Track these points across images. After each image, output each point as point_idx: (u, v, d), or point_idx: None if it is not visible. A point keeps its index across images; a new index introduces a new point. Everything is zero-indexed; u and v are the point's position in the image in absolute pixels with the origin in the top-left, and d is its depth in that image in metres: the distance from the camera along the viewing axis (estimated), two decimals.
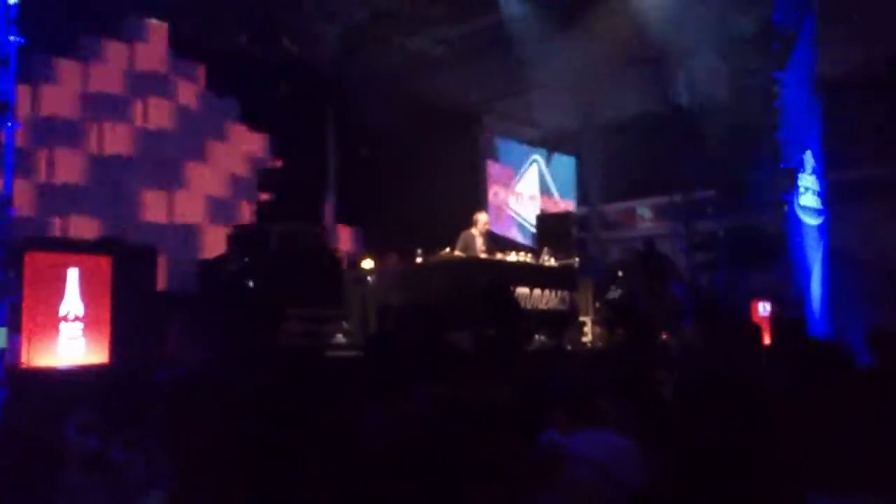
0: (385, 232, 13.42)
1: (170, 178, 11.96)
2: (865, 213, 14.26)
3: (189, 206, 11.81)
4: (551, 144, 20.22)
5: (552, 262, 11.24)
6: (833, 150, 14.02)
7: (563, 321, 10.69)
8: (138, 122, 12.18)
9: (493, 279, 9.45)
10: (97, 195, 11.12)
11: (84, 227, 10.53)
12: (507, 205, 18.66)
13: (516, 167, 19.19)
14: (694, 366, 4.26)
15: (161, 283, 10.13)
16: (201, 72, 13.49)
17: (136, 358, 5.96)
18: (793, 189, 13.07)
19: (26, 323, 5.44)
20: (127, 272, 6.16)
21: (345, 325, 8.82)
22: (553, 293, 10.84)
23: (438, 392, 3.28)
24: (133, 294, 6.20)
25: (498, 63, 17.12)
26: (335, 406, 4.03)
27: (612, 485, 2.96)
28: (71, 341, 5.66)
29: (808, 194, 13.43)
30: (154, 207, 11.56)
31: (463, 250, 10.41)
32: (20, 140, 10.87)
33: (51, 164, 11.11)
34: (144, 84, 12.52)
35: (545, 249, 11.50)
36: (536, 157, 19.67)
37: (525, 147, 19.60)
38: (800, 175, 13.26)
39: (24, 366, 5.35)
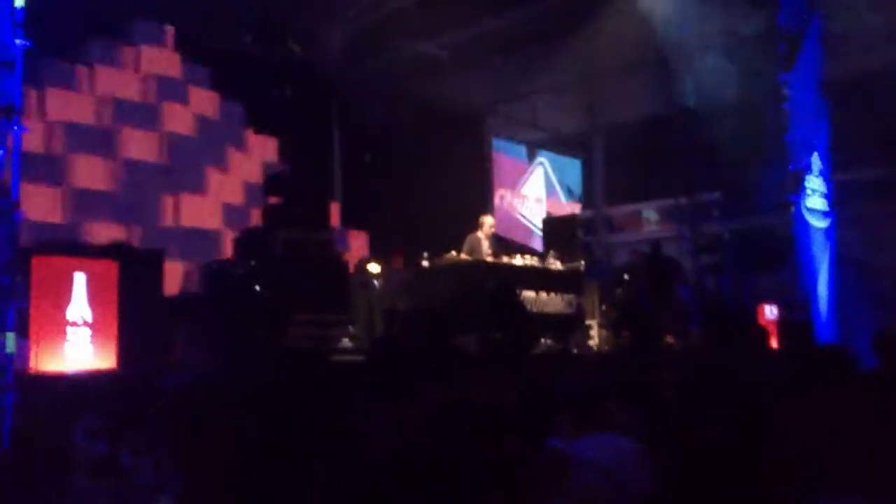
0: (391, 235, 13.43)
1: (191, 184, 12.05)
2: (872, 216, 14.25)
3: (209, 212, 11.89)
4: (556, 147, 20.21)
5: (558, 265, 11.23)
6: (840, 153, 14.00)
7: (569, 324, 10.68)
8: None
9: (499, 283, 9.45)
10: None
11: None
12: (512, 208, 18.66)
13: (522, 169, 19.19)
14: (699, 368, 4.25)
15: (179, 288, 10.25)
16: (209, 76, 13.51)
17: (144, 363, 5.97)
18: (799, 191, 13.05)
19: (34, 328, 5.45)
20: (134, 277, 6.17)
21: (351, 329, 8.83)
22: (559, 296, 10.83)
23: (444, 396, 3.28)
24: (140, 299, 6.21)
25: (502, 66, 17.13)
26: (341, 410, 4.03)
27: (618, 489, 2.96)
28: (78, 346, 5.67)
29: (814, 196, 13.40)
30: (177, 213, 11.66)
31: (469, 254, 10.41)
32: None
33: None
34: (164, 90, 12.62)
35: (551, 252, 11.50)
36: (542, 159, 19.66)
37: (531, 149, 19.59)
38: (807, 177, 13.23)
39: (31, 371, 5.36)
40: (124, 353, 5.87)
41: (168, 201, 11.65)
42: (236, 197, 12.55)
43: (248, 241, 8.92)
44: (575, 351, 10.11)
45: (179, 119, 12.54)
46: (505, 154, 18.93)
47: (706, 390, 3.66)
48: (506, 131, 19.28)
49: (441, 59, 16.58)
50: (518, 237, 17.68)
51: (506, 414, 3.07)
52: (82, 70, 12.00)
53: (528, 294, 10.34)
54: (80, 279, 5.71)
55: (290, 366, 6.77)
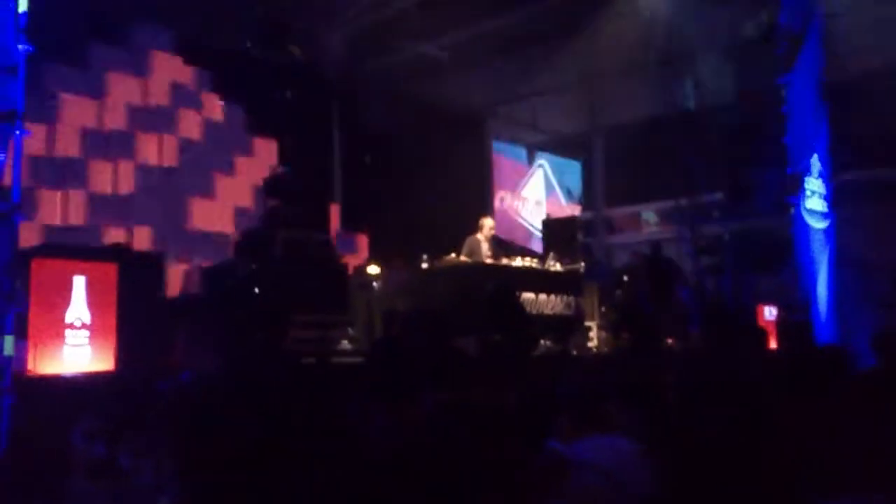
0: (391, 237, 13.43)
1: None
2: (872, 217, 14.25)
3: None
4: (556, 149, 20.23)
5: (558, 266, 11.23)
6: (839, 154, 14.02)
7: (568, 326, 10.67)
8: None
9: (498, 284, 9.44)
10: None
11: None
12: (512, 209, 18.66)
13: (522, 171, 19.20)
14: (698, 369, 4.25)
15: (179, 290, 10.28)
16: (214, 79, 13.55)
17: (143, 365, 5.97)
18: (799, 193, 13.06)
19: (32, 330, 5.44)
20: (133, 279, 6.17)
21: (350, 331, 8.82)
22: (559, 298, 10.83)
23: (444, 397, 3.28)
24: (139, 301, 6.21)
25: (502, 67, 17.14)
26: (340, 411, 4.03)
27: (618, 490, 2.95)
28: (77, 349, 5.66)
29: (814, 198, 13.42)
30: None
31: (468, 255, 10.40)
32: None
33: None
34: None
35: (551, 254, 11.49)
36: (542, 161, 19.67)
37: (531, 151, 19.61)
38: (806, 179, 13.25)
39: (30, 373, 5.35)
40: (123, 356, 5.87)
41: (181, 205, 11.73)
42: (245, 200, 12.59)
43: (247, 243, 8.92)
44: (574, 352, 10.10)
45: (191, 124, 12.65)
46: (505, 156, 18.95)
47: (706, 391, 3.66)
48: (506, 133, 19.30)
49: (441, 60, 16.58)
50: (518, 239, 17.68)
51: (505, 415, 3.07)
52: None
53: (528, 296, 10.34)
54: (79, 282, 5.70)
55: (290, 368, 6.77)
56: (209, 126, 12.92)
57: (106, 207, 11.05)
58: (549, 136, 20.22)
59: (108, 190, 11.29)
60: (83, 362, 5.66)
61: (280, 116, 13.69)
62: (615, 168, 19.75)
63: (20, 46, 5.28)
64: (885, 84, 13.76)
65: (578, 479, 2.98)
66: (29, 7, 5.35)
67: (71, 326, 5.64)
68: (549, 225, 13.94)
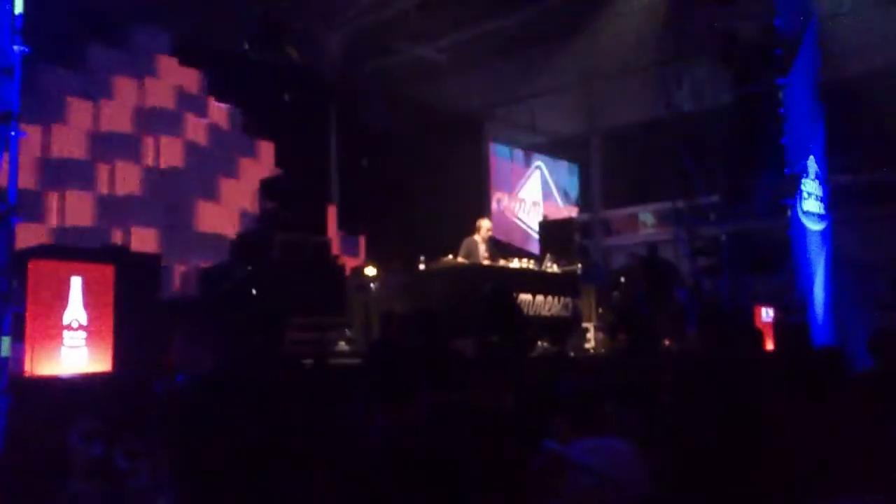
0: (388, 239, 13.43)
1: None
2: (868, 218, 14.28)
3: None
4: (553, 150, 20.25)
5: (555, 268, 11.23)
6: (836, 156, 14.04)
7: (566, 327, 10.67)
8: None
9: (496, 286, 9.44)
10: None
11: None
12: (510, 211, 18.67)
13: (519, 173, 19.21)
14: (695, 370, 4.26)
15: (176, 291, 10.29)
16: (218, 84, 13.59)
17: (140, 366, 5.96)
18: (796, 194, 13.08)
19: (29, 331, 5.44)
20: (130, 281, 6.16)
21: (348, 332, 8.82)
22: (556, 299, 10.83)
23: (442, 398, 3.28)
24: (136, 302, 6.20)
25: (500, 70, 17.17)
26: (338, 413, 4.03)
27: (615, 491, 2.96)
28: (74, 350, 5.65)
29: (811, 200, 13.45)
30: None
31: (466, 257, 10.41)
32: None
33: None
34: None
35: (548, 256, 11.50)
36: (539, 163, 19.69)
37: (528, 153, 19.62)
38: (803, 180, 13.28)
39: (27, 374, 5.35)
40: (120, 357, 5.86)
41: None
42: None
43: (245, 245, 8.92)
44: (572, 354, 10.10)
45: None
46: (502, 158, 18.96)
47: (702, 392, 3.66)
48: (504, 135, 19.32)
49: (439, 62, 16.61)
50: (515, 240, 17.70)
51: (503, 416, 3.07)
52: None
53: (525, 297, 10.34)
54: (76, 283, 5.70)
55: (287, 368, 6.78)
56: (213, 129, 12.97)
57: (113, 209, 11.10)
58: (546, 138, 20.25)
59: (116, 192, 11.34)
60: (80, 363, 5.66)
61: (277, 118, 13.69)
62: (612, 170, 19.78)
63: (16, 48, 5.27)
64: (882, 86, 13.79)
65: (575, 480, 2.98)
66: (25, 8, 5.35)
67: (68, 328, 5.63)
68: (546, 226, 13.94)
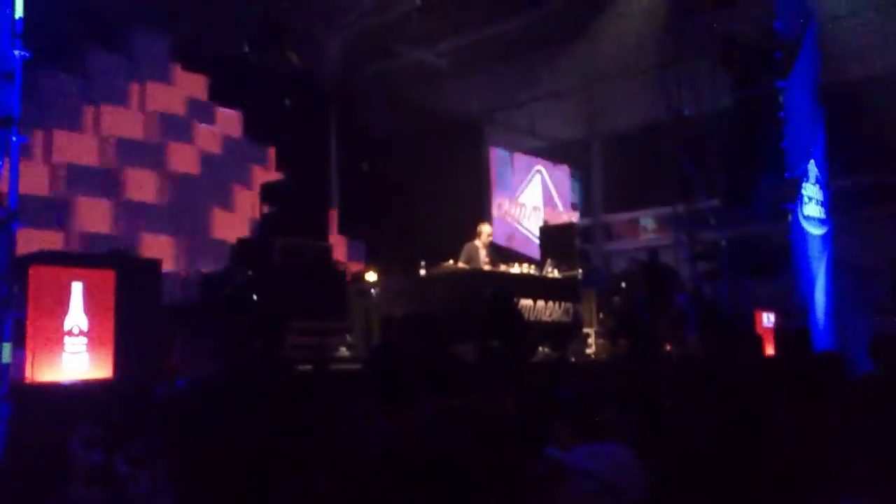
0: (388, 244, 13.42)
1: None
2: (869, 223, 14.27)
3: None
4: (554, 155, 20.24)
5: (555, 273, 11.23)
6: (836, 160, 14.04)
7: (566, 333, 10.67)
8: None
9: (496, 291, 9.45)
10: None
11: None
12: (510, 216, 18.66)
13: (520, 178, 19.20)
14: (696, 375, 4.26)
15: (176, 297, 10.32)
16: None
17: (141, 372, 5.96)
18: (796, 199, 13.08)
19: (30, 337, 5.43)
20: (131, 286, 6.15)
21: (348, 337, 8.81)
22: (556, 305, 10.83)
23: (443, 403, 3.28)
24: (137, 308, 6.19)
25: (500, 74, 17.18)
26: (338, 418, 4.03)
27: (615, 497, 2.95)
28: (75, 356, 5.65)
29: (811, 204, 13.45)
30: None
31: (466, 262, 10.41)
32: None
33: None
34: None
35: (548, 261, 11.49)
36: (539, 167, 19.68)
37: (528, 157, 19.61)
38: (803, 184, 13.28)
39: (27, 381, 5.34)
40: (121, 363, 5.85)
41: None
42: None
43: (245, 250, 8.91)
44: (572, 359, 10.10)
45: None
46: (503, 162, 18.95)
47: (703, 397, 3.66)
48: (504, 139, 19.31)
49: (439, 66, 16.62)
50: (515, 246, 17.68)
51: (504, 421, 3.07)
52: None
53: (526, 302, 10.35)
54: (77, 288, 5.70)
55: (288, 374, 6.78)
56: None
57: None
58: (546, 143, 20.24)
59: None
60: (81, 369, 5.65)
61: (277, 122, 13.70)
62: (613, 174, 19.78)
63: (17, 52, 5.27)
64: (883, 89, 13.79)
65: (576, 486, 2.98)
66: (25, 13, 5.35)
67: (69, 333, 5.62)
68: (547, 231, 13.95)
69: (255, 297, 7.81)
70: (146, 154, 11.91)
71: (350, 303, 9.32)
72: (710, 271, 14.24)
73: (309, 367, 7.27)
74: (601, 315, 11.84)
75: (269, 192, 9.42)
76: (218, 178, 12.50)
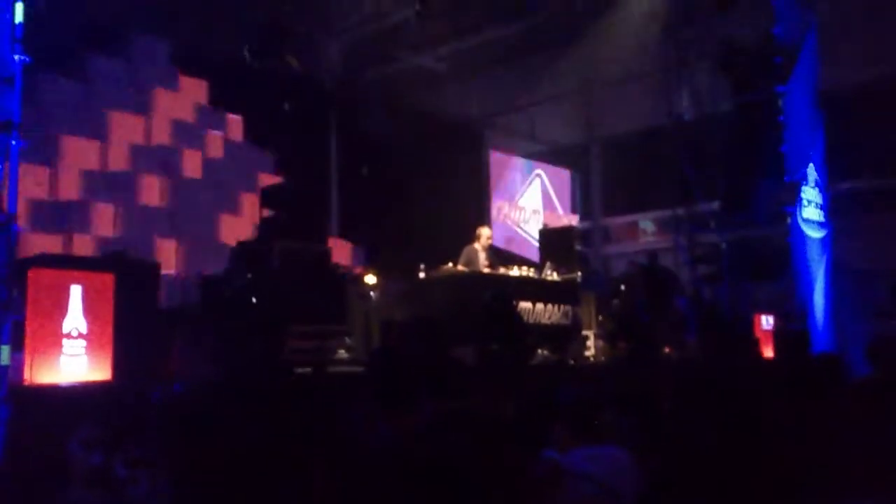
0: (388, 247, 13.43)
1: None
2: (868, 226, 14.28)
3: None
4: (553, 159, 20.26)
5: (555, 276, 11.23)
6: (836, 164, 14.05)
7: (566, 335, 10.67)
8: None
9: (496, 294, 9.45)
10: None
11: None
12: (510, 219, 18.68)
13: (519, 181, 19.22)
14: (695, 378, 4.27)
15: (175, 300, 10.35)
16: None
17: (139, 374, 5.96)
18: (796, 202, 13.08)
19: (29, 340, 5.43)
20: (130, 289, 6.16)
21: (348, 340, 8.81)
22: (556, 307, 10.83)
23: (442, 406, 3.28)
24: (136, 311, 6.19)
25: (499, 78, 17.19)
26: (338, 421, 4.02)
27: (614, 499, 2.95)
28: (73, 358, 5.65)
29: (810, 207, 13.45)
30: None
31: (466, 265, 10.41)
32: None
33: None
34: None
35: (548, 264, 11.49)
36: (539, 171, 19.70)
37: (528, 161, 19.63)
38: (803, 188, 13.28)
39: (26, 383, 5.34)
40: (120, 365, 5.85)
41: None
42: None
43: (244, 253, 8.91)
44: (572, 362, 10.10)
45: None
46: (502, 166, 18.97)
47: (702, 400, 3.66)
48: (503, 143, 19.33)
49: (439, 71, 16.63)
50: (515, 249, 17.69)
51: (503, 424, 3.06)
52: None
53: (525, 305, 10.34)
54: (75, 291, 5.70)
55: (287, 377, 6.77)
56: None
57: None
58: (546, 146, 20.26)
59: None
60: (80, 372, 5.65)
61: (277, 126, 13.70)
62: (612, 177, 19.80)
63: (17, 57, 5.28)
64: (881, 94, 13.80)
65: (575, 489, 2.98)
66: (25, 18, 5.36)
67: (68, 336, 5.63)
68: (546, 234, 13.94)
69: (254, 300, 7.81)
70: (158, 159, 12.04)
71: (350, 306, 9.32)
72: (710, 274, 14.25)
73: (308, 369, 7.26)
74: (600, 318, 11.84)
75: (269, 196, 9.42)
76: (224, 183, 12.57)
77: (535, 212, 19.34)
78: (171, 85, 12.92)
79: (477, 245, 10.70)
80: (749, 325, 11.78)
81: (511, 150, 19.37)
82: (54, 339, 5.57)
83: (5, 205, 5.16)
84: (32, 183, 10.43)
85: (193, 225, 11.70)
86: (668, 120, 15.00)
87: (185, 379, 6.21)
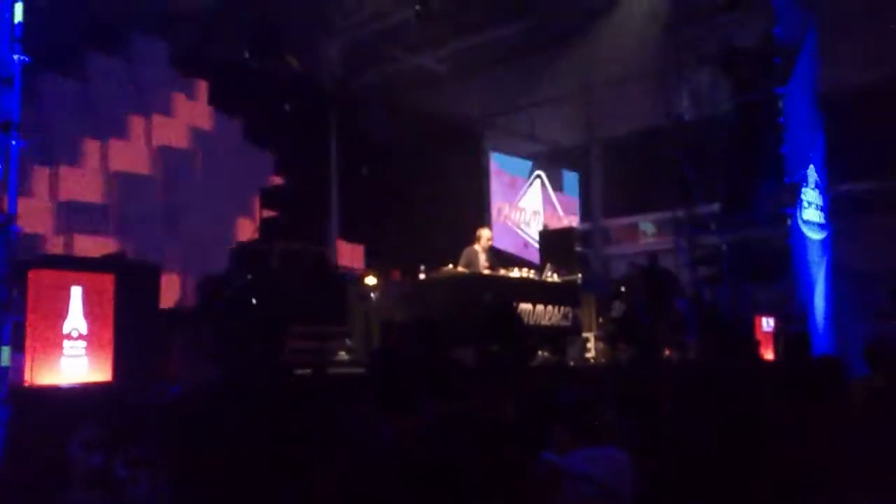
0: (388, 248, 13.42)
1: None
2: (868, 227, 14.28)
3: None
4: (554, 160, 20.26)
5: (555, 277, 11.23)
6: (836, 165, 14.05)
7: (566, 337, 10.67)
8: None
9: (496, 295, 9.45)
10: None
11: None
12: (510, 221, 18.67)
13: (519, 182, 19.22)
14: (695, 379, 4.26)
15: (175, 301, 10.36)
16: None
17: (139, 375, 5.96)
18: (796, 204, 13.08)
19: (29, 341, 5.43)
20: (130, 290, 6.15)
21: (348, 341, 8.81)
22: (556, 309, 10.83)
23: (443, 408, 3.28)
24: (136, 312, 6.19)
25: (500, 79, 17.18)
26: (339, 422, 4.02)
27: (614, 500, 2.95)
28: (74, 359, 5.65)
29: (811, 209, 13.45)
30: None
31: (466, 266, 10.41)
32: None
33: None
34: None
35: (548, 265, 11.49)
36: (539, 172, 19.70)
37: (528, 162, 19.63)
38: (803, 190, 13.29)
39: (27, 384, 5.34)
40: (120, 366, 5.85)
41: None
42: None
43: (244, 254, 8.91)
44: (572, 363, 10.10)
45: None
46: (503, 167, 18.97)
47: (703, 401, 3.66)
48: (504, 144, 19.32)
49: (439, 72, 16.63)
50: (515, 250, 17.69)
51: (504, 426, 3.07)
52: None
53: (525, 307, 10.34)
54: (76, 292, 5.70)
55: (287, 378, 6.77)
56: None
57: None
58: (546, 147, 20.26)
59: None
60: (80, 373, 5.65)
61: (277, 127, 13.70)
62: (612, 179, 19.79)
63: (16, 57, 5.27)
64: (881, 95, 13.80)
65: (574, 490, 2.98)
66: (24, 18, 5.35)
67: (68, 337, 5.62)
68: (547, 236, 13.95)
69: (254, 301, 7.81)
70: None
71: (350, 307, 9.32)
72: (710, 276, 14.25)
73: (308, 371, 7.26)
74: (601, 319, 11.84)
75: (269, 197, 9.42)
76: (224, 183, 12.57)
77: (535, 213, 19.34)
78: (173, 87, 12.92)
79: (477, 246, 10.69)
80: (749, 327, 11.78)
81: (511, 151, 19.36)
82: (55, 340, 5.57)
83: (5, 205, 5.15)
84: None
85: (193, 225, 11.68)
86: (668, 121, 15.00)
87: (185, 380, 6.21)
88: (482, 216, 16.99)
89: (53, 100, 11.54)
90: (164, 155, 12.13)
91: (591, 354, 11.12)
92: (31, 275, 5.57)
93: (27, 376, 5.37)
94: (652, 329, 10.91)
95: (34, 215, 10.39)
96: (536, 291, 10.73)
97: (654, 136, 15.95)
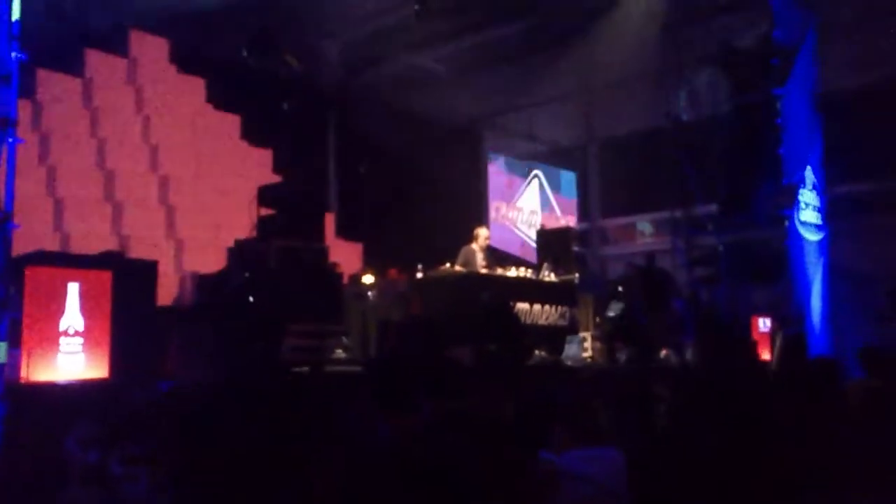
0: (386, 247, 13.41)
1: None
2: (866, 229, 14.29)
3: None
4: (552, 159, 20.24)
5: (552, 277, 11.23)
6: (834, 167, 14.05)
7: (563, 337, 10.67)
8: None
9: (493, 295, 9.45)
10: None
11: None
12: (508, 220, 18.66)
13: (517, 182, 19.21)
14: (693, 380, 4.27)
15: (173, 298, 10.38)
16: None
17: (136, 372, 5.95)
18: (793, 205, 13.08)
19: (26, 338, 5.43)
20: (127, 287, 6.15)
21: (345, 340, 8.81)
22: (553, 308, 10.83)
23: (440, 407, 3.28)
24: (133, 309, 6.19)
25: (498, 79, 17.18)
26: (337, 421, 4.02)
27: (614, 501, 2.95)
28: (71, 356, 5.65)
29: (808, 210, 13.45)
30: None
31: (463, 266, 10.41)
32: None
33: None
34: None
35: (545, 265, 11.49)
36: (537, 172, 19.68)
37: (526, 162, 19.62)
38: (800, 191, 13.28)
39: (23, 381, 5.34)
40: (117, 363, 5.85)
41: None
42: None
43: (242, 252, 8.90)
44: (569, 363, 10.10)
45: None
46: (500, 166, 18.95)
47: (700, 401, 3.66)
48: (501, 143, 19.31)
49: (437, 72, 16.63)
50: (513, 249, 17.67)
51: (502, 425, 3.06)
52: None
53: (523, 306, 10.34)
54: (73, 289, 5.69)
55: (285, 376, 6.77)
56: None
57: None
58: (544, 147, 20.25)
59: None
60: (77, 370, 5.65)
61: (276, 126, 13.69)
62: (610, 179, 19.78)
63: (13, 54, 5.27)
64: (880, 97, 13.80)
65: (573, 490, 2.98)
66: (22, 15, 5.34)
67: (65, 334, 5.62)
68: (544, 235, 13.94)
69: (252, 299, 7.81)
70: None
71: (347, 305, 9.32)
72: (708, 276, 14.24)
73: (306, 369, 7.26)
74: (598, 319, 11.84)
75: (267, 195, 9.41)
76: (221, 180, 12.61)
77: (532, 213, 19.33)
78: (169, 84, 12.92)
79: (475, 245, 10.69)
80: (746, 328, 11.78)
81: (510, 151, 19.35)
82: (51, 336, 5.57)
83: (2, 202, 5.14)
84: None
85: (191, 224, 11.70)
86: (667, 121, 14.99)
87: (182, 377, 6.21)
88: (480, 215, 16.98)
89: (52, 97, 11.55)
90: (163, 153, 12.12)
91: (588, 354, 11.12)
92: (28, 271, 5.56)
93: (24, 373, 5.36)
94: (649, 329, 10.91)
95: (32, 212, 10.40)
96: (534, 291, 10.73)
97: (653, 137, 15.95)
